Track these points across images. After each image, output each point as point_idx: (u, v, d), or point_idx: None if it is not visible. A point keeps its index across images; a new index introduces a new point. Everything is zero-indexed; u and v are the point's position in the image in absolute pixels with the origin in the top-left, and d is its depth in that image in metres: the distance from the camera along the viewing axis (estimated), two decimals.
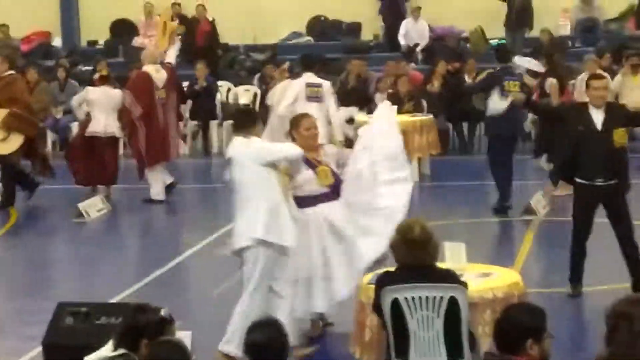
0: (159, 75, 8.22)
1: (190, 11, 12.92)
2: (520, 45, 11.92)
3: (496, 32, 12.47)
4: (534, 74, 8.45)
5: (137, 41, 11.89)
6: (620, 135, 5.06)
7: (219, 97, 11.35)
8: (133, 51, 11.81)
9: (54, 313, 4.38)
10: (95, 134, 8.37)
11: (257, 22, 13.47)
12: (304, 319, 4.73)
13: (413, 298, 3.39)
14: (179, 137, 9.42)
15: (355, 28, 13.47)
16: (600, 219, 5.74)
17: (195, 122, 11.16)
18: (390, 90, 10.02)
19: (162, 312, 3.00)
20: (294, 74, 9.17)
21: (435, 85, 10.43)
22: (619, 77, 10.64)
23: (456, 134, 10.70)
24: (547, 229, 7.39)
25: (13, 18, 13.35)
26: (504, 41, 12.18)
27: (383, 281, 3.50)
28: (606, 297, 5.00)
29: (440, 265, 3.62)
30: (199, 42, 12.65)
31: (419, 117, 9.16)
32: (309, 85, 8.03)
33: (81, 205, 7.78)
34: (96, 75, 9.68)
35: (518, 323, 2.24)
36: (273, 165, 4.23)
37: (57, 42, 14.13)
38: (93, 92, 8.73)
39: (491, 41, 12.12)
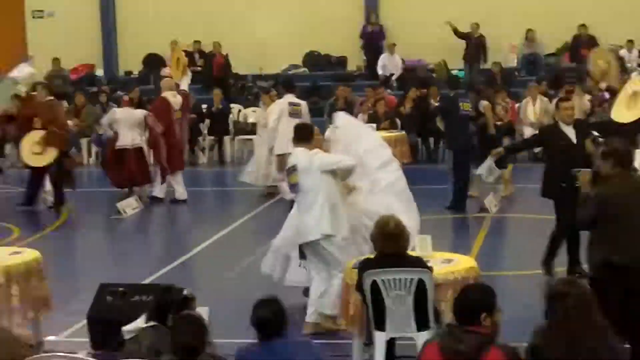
0: (175, 100, 8.06)
1: (208, 47, 12.77)
2: (475, 75, 11.88)
3: (457, 64, 12.37)
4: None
5: (164, 72, 11.70)
6: (588, 145, 4.89)
7: (231, 117, 11.27)
8: (161, 80, 11.70)
9: (96, 292, 4.19)
10: (124, 146, 8.16)
11: (262, 56, 13.03)
12: None
13: (389, 280, 3.28)
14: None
15: (342, 61, 13.23)
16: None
17: (212, 137, 11.05)
18: (370, 111, 9.93)
19: (185, 292, 2.91)
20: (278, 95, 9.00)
21: (407, 107, 10.31)
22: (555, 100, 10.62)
23: (424, 147, 10.66)
24: (497, 223, 7.24)
25: (63, 52, 13.11)
26: (462, 72, 12.05)
27: (365, 266, 3.38)
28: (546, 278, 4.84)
29: (411, 253, 3.47)
30: (215, 72, 12.45)
31: (394, 133, 9.02)
32: (290, 104, 7.87)
33: (119, 205, 7.49)
34: (124, 99, 9.56)
35: (473, 300, 2.14)
36: (333, 172, 4.12)
37: (99, 72, 13.85)
38: (119, 113, 8.56)
39: (452, 71, 11.96)
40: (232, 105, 11.55)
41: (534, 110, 10.03)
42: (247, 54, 12.93)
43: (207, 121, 10.99)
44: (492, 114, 7.61)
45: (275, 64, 13.01)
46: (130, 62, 13.68)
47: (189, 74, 9.14)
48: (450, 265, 3.68)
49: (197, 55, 12.57)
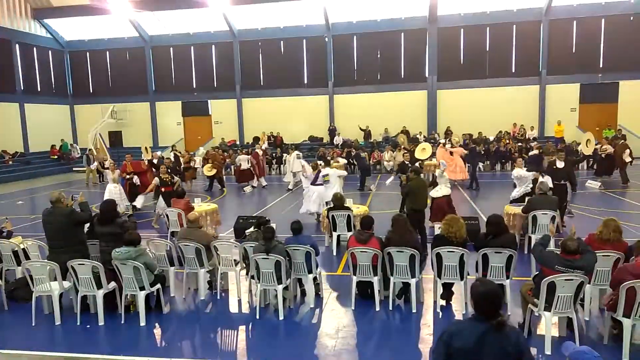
0: (260, 151, 17.36)
1: (275, 132, 27.01)
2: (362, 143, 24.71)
3: (361, 139, 26.79)
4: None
5: (263, 144, 23.70)
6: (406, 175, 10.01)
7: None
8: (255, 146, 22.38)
9: (236, 219, 10.39)
10: (245, 167, 16.87)
11: (292, 137, 27.63)
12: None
13: (337, 215, 9.14)
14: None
15: (321, 138, 28.14)
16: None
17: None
18: (331, 157, 19.88)
19: (267, 218, 7.88)
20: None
21: (343, 155, 22.43)
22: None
23: (352, 169, 20.60)
24: None
25: (226, 135, 29.29)
26: (363, 142, 26.05)
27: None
28: None
29: (346, 205, 9.57)
30: (277, 142, 27.04)
31: (339, 163, 16.45)
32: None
33: (244, 188, 16.15)
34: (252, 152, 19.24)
35: (368, 221, 8.38)
36: (340, 177, 10.77)
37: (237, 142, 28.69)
38: (240, 157, 17.50)
39: (360, 143, 24.13)
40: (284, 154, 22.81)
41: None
42: (289, 136, 26.19)
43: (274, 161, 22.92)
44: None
45: (298, 139, 27.93)
46: (249, 138, 28.51)
47: (266, 143, 24.67)
48: (358, 209, 9.64)
49: (271, 136, 27.63)
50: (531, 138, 24.18)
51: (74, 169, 27.15)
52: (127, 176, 13.98)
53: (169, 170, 12.70)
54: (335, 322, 6.07)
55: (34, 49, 28.44)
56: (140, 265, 6.13)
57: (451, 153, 16.80)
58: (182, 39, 29.16)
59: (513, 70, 26.13)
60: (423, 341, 5.53)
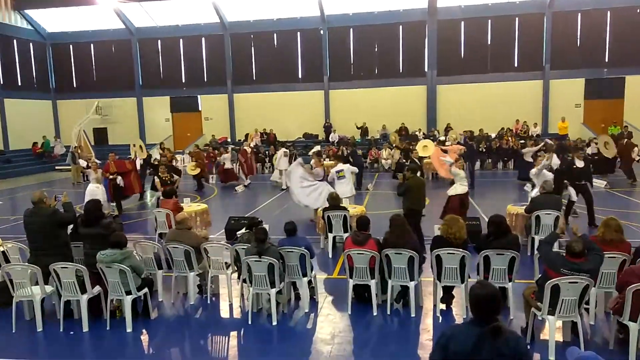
0: (248, 149, 16.90)
1: (269, 129, 27.72)
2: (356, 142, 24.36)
3: (357, 137, 27.13)
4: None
5: (253, 138, 25.58)
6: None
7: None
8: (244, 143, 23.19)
9: (228, 220, 10.40)
10: (229, 166, 16.83)
11: (286, 134, 27.54)
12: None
13: (333, 215, 9.04)
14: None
15: (316, 135, 28.12)
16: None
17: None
18: (327, 154, 19.51)
19: (259, 219, 7.63)
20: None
21: (339, 153, 20.22)
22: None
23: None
24: None
25: (216, 133, 28.96)
26: (360, 140, 26.50)
27: (325, 209, 9.16)
28: None
29: (342, 205, 9.61)
30: (270, 139, 26.64)
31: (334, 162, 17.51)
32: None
33: (236, 187, 16.00)
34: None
35: (364, 222, 8.44)
36: (353, 172, 11.01)
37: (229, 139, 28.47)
38: (224, 156, 17.71)
39: (357, 140, 22.69)
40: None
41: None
42: (282, 133, 25.80)
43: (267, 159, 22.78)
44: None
45: (292, 136, 28.01)
46: (241, 135, 27.78)
47: (258, 139, 24.33)
48: (354, 209, 9.69)
49: (264, 133, 27.76)
50: (534, 135, 24.29)
51: (56, 167, 27.01)
52: (111, 176, 13.91)
53: (167, 169, 12.74)
54: (331, 328, 6.07)
55: (14, 41, 28.24)
56: (127, 269, 6.11)
57: (445, 151, 16.85)
58: (170, 31, 29.05)
59: (515, 65, 26.25)
60: (422, 347, 5.54)
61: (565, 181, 10.33)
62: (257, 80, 28.73)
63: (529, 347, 3.75)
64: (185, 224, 7.29)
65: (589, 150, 18.24)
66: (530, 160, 17.06)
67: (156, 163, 15.24)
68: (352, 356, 5.38)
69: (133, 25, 29.23)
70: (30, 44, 29.35)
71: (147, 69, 29.88)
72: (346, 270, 6.58)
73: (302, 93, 28.15)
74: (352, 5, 26.93)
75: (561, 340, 5.51)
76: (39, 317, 6.30)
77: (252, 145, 21.09)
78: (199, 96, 29.59)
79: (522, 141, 22.91)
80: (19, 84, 28.69)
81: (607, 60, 25.36)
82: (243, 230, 7.57)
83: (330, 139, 26.86)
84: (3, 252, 7.38)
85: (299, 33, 27.89)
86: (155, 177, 12.53)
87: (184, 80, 29.66)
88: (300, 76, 28.37)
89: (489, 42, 26.38)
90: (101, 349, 5.78)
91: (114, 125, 30.40)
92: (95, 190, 12.46)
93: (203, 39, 28.92)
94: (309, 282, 6.80)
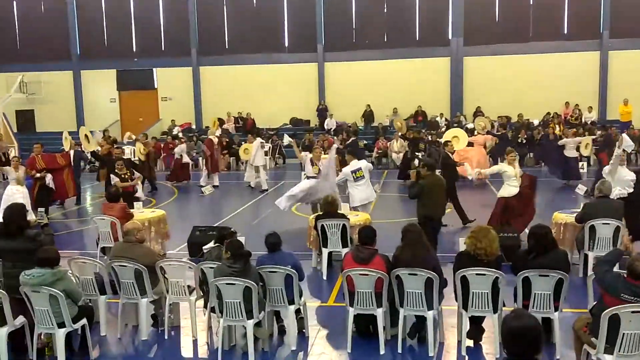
0: (215, 139, 17.84)
1: (245, 113, 28.73)
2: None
3: (360, 123, 28.51)
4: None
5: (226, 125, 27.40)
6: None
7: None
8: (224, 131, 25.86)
9: (191, 230, 10.37)
10: (187, 161, 17.92)
11: (271, 118, 28.02)
12: None
13: (330, 224, 9.01)
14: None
15: (308, 121, 28.89)
16: None
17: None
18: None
19: (232, 229, 7.28)
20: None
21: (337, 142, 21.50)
22: None
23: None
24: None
25: (177, 117, 29.68)
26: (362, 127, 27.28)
27: (318, 217, 9.34)
28: None
29: (339, 212, 9.58)
30: (248, 126, 27.23)
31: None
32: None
33: (203, 188, 16.53)
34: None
35: (369, 234, 8.49)
36: (370, 170, 11.13)
37: (193, 126, 29.47)
38: (181, 147, 19.10)
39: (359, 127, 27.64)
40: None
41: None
42: (262, 118, 28.46)
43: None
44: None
45: (276, 122, 28.72)
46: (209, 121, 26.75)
47: (219, 130, 23.74)
48: (356, 217, 9.67)
49: (239, 119, 28.90)
50: (588, 122, 24.41)
51: None
52: (37, 174, 13.78)
53: (125, 164, 12.68)
54: None
55: None
56: (59, 294, 6.07)
57: (470, 144, 16.78)
58: None
59: (565, 32, 26.46)
60: None
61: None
62: (230, 50, 28.74)
63: None
64: (136, 236, 7.27)
65: None
66: (574, 154, 17.11)
67: (104, 155, 15.10)
68: None
69: None
70: None
71: (87, 34, 29.83)
72: (345, 296, 6.53)
73: (289, 66, 28.20)
74: None
75: None
76: None
77: (217, 134, 20.37)
78: (154, 69, 29.59)
79: (574, 129, 23.04)
80: None
81: None
82: (211, 244, 7.51)
83: (325, 126, 26.78)
84: None
85: None
86: (112, 174, 12.43)
87: (134, 49, 29.63)
88: (286, 44, 28.44)
89: (531, 2, 26.51)
90: None
91: (44, 107, 30.29)
92: (15, 194, 12.20)
93: None
94: (297, 311, 6.78)
